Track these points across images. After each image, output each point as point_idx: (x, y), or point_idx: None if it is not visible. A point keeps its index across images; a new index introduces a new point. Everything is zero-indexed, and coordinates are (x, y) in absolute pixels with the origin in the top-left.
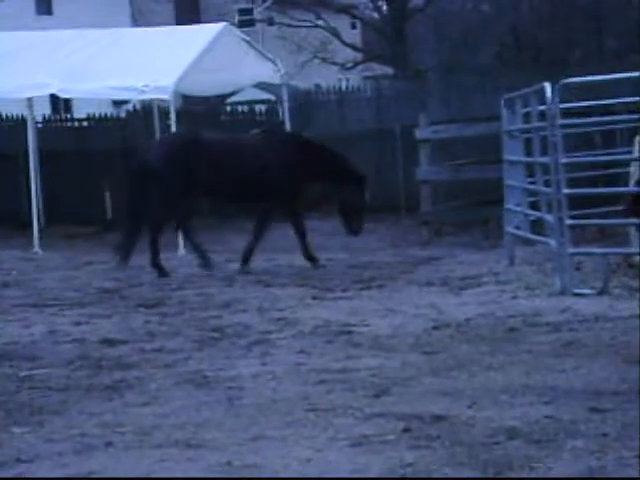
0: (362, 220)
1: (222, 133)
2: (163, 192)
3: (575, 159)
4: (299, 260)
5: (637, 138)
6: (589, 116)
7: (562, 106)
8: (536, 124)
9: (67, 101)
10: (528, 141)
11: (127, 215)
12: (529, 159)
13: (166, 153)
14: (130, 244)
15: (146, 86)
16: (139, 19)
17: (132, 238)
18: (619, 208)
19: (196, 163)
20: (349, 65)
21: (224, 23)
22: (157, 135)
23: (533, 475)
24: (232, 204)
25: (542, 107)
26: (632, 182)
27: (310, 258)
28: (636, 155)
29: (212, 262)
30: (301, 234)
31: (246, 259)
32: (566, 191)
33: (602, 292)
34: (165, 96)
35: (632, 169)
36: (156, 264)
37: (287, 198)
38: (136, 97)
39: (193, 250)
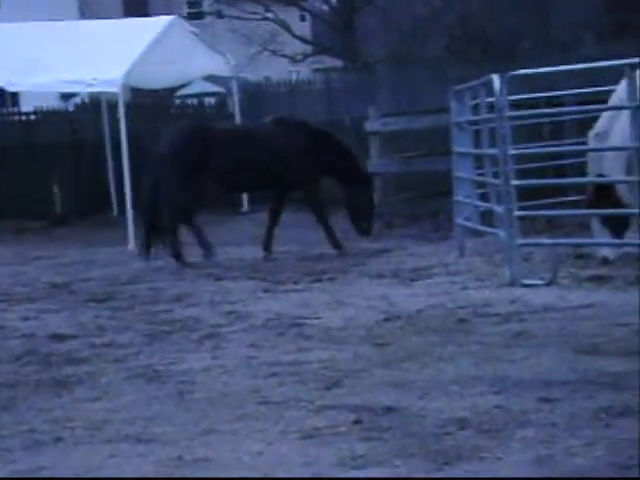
0: (372, 221)
1: (232, 123)
2: (175, 182)
3: (523, 151)
4: (250, 253)
5: (590, 133)
6: (537, 108)
7: (510, 98)
8: (484, 116)
9: (14, 94)
10: (477, 133)
11: (144, 207)
12: (478, 151)
13: (175, 143)
14: (157, 236)
15: (94, 79)
16: (87, 11)
17: (156, 229)
18: (567, 199)
19: (207, 152)
20: (299, 57)
21: (173, 16)
22: (105, 129)
23: (483, 465)
24: (244, 192)
25: (490, 99)
26: (591, 175)
27: (335, 245)
28: (585, 147)
29: (183, 256)
30: (323, 221)
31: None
32: (515, 182)
33: (551, 283)
34: (113, 89)
35: (589, 164)
36: (177, 254)
37: (300, 185)
38: (84, 90)
39: (198, 242)
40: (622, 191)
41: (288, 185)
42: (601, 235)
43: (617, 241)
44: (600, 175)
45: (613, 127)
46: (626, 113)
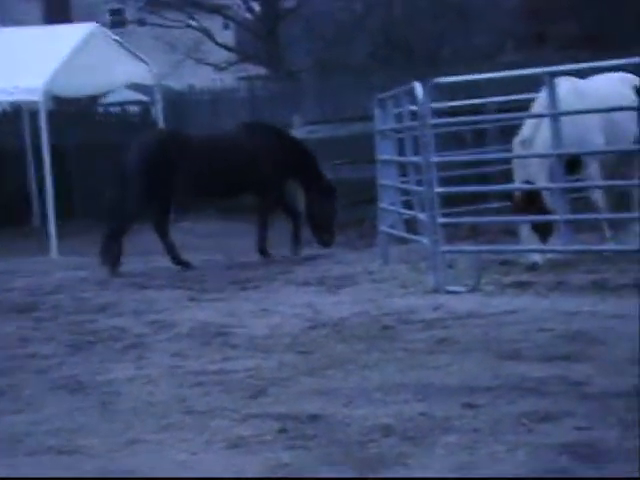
0: (333, 230)
1: (203, 129)
2: (136, 191)
3: (446, 158)
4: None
5: (515, 140)
6: (460, 115)
7: (433, 106)
8: (408, 124)
9: None
10: (401, 141)
11: (108, 216)
12: (402, 158)
13: (143, 151)
14: (117, 246)
15: (15, 87)
16: (6, 19)
17: (118, 239)
18: (490, 206)
19: (176, 161)
20: (223, 66)
21: (95, 23)
22: (27, 138)
23: (407, 471)
24: (214, 200)
25: (413, 107)
26: (517, 181)
27: (262, 252)
28: (509, 154)
29: (189, 262)
30: (263, 228)
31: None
32: (438, 190)
33: (474, 289)
34: (34, 98)
35: (515, 171)
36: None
37: (269, 191)
38: (4, 99)
39: (167, 251)
40: (547, 197)
41: (257, 190)
42: (529, 240)
43: (539, 247)
44: (526, 181)
45: (537, 134)
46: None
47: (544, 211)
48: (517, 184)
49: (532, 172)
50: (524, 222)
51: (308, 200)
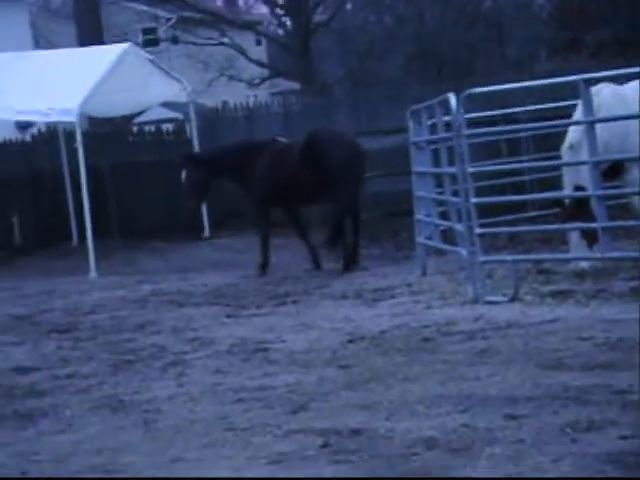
0: None
1: None
2: (344, 183)
3: (482, 168)
4: (212, 278)
5: (563, 145)
6: (494, 125)
7: (467, 116)
8: (442, 135)
9: None
10: (435, 152)
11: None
12: (437, 170)
13: (352, 146)
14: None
15: (51, 109)
16: (41, 41)
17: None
18: (527, 215)
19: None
20: (256, 81)
21: (128, 43)
22: (63, 158)
23: None
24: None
25: (447, 118)
26: (567, 187)
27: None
28: (547, 162)
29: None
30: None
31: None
32: (474, 200)
33: (513, 299)
34: (70, 119)
35: (565, 176)
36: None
37: None
38: (41, 120)
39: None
40: None
41: None
42: (579, 247)
43: (578, 255)
44: (577, 186)
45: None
46: (599, 125)
47: (594, 217)
48: (567, 190)
49: (584, 177)
50: (563, 230)
51: None
